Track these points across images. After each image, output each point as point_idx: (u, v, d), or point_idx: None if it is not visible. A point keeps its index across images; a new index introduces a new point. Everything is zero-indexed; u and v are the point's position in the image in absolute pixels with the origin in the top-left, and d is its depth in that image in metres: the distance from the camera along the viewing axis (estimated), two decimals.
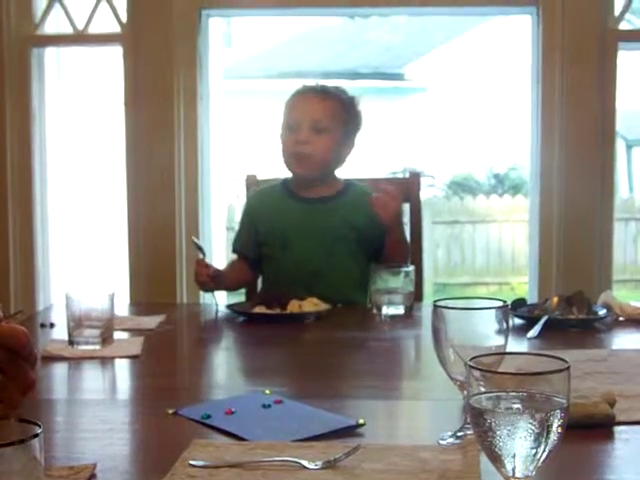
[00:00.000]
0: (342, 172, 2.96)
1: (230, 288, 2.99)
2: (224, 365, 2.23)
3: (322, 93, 2.89)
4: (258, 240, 2.90)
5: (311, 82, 2.98)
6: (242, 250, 2.93)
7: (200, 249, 2.80)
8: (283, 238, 2.85)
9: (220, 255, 3.85)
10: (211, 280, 2.72)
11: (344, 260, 2.85)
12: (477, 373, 1.11)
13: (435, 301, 1.49)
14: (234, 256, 2.97)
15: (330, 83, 3.01)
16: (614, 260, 3.61)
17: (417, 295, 2.74)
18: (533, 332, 2.24)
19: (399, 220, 2.83)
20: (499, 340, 1.44)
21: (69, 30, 3.62)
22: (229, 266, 2.95)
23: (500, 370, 1.15)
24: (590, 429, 1.46)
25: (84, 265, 3.90)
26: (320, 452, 1.36)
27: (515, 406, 1.09)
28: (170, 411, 1.61)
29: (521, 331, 2.26)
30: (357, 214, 2.86)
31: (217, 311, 2.66)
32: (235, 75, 12.12)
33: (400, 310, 2.54)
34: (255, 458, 1.34)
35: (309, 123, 2.83)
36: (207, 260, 2.77)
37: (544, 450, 1.08)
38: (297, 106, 2.88)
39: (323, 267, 2.82)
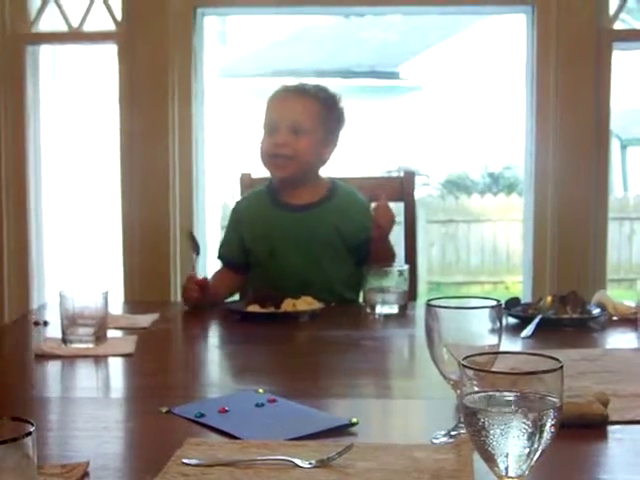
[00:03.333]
0: (329, 170, 2.93)
1: (216, 300, 2.92)
2: (218, 364, 2.23)
3: (300, 92, 2.82)
4: (245, 247, 2.87)
5: (291, 82, 2.92)
6: (228, 256, 2.90)
7: (195, 246, 2.79)
8: (269, 247, 2.82)
9: (214, 254, 3.84)
10: (200, 295, 2.68)
11: (332, 268, 2.82)
12: (470, 372, 1.11)
13: (429, 300, 1.49)
14: (218, 265, 2.94)
15: (321, 82, 2.96)
16: (608, 259, 3.61)
17: (411, 294, 2.74)
18: (527, 331, 2.24)
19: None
20: (493, 339, 1.44)
21: (64, 28, 3.61)
22: (213, 278, 2.87)
23: (493, 369, 1.15)
24: (583, 428, 1.46)
25: (78, 263, 3.90)
26: (313, 451, 1.36)
27: (508, 405, 1.09)
28: (164, 409, 1.61)
29: (515, 330, 2.26)
30: (343, 220, 2.83)
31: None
32: (230, 74, 12.12)
33: (394, 309, 2.54)
34: (248, 457, 1.34)
35: (287, 124, 2.76)
36: (197, 268, 2.75)
37: (537, 449, 1.09)
38: (275, 107, 2.82)
39: (311, 275, 2.79)
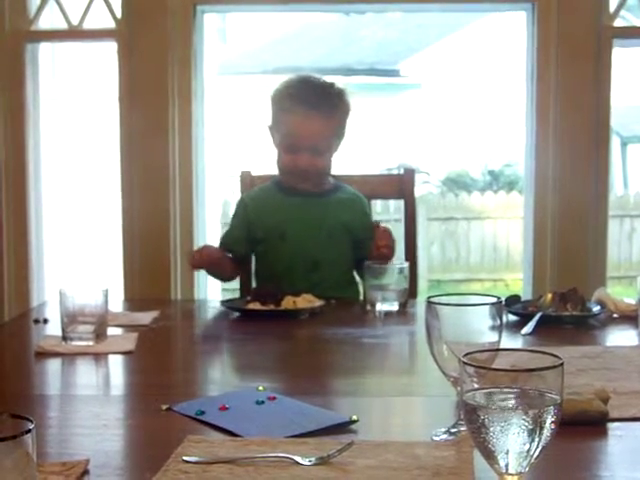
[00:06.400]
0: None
1: (215, 275, 2.98)
2: (218, 361, 2.22)
3: (317, 108, 2.80)
4: (254, 238, 2.88)
5: (301, 81, 2.90)
6: (231, 245, 2.90)
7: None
8: (281, 231, 2.85)
9: None
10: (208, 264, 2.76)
11: (340, 252, 2.87)
12: (471, 369, 1.11)
13: (429, 297, 1.49)
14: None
15: (337, 81, 2.97)
16: (608, 257, 3.61)
17: (411, 291, 2.74)
18: (527, 328, 2.24)
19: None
20: (493, 336, 1.44)
21: (64, 25, 3.61)
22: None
23: (494, 366, 1.15)
24: (583, 426, 1.46)
25: (78, 261, 3.89)
26: (313, 448, 1.36)
27: (509, 402, 1.09)
28: (164, 407, 1.61)
29: (515, 327, 2.26)
30: (347, 213, 2.89)
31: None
32: (230, 71, 12.12)
33: (394, 307, 2.54)
34: (248, 454, 1.34)
35: (309, 146, 2.80)
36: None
37: (537, 446, 1.08)
38: (295, 127, 2.81)
39: (321, 258, 2.83)
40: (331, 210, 2.88)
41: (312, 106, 2.81)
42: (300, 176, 2.85)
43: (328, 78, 2.97)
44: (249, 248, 2.91)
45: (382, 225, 2.81)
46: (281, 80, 2.92)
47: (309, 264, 2.83)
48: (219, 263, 2.84)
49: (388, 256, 2.74)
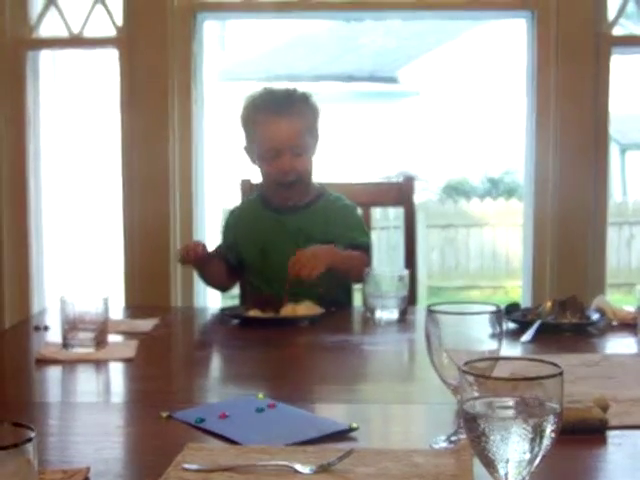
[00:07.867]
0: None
1: (206, 278, 2.96)
2: (218, 369, 2.23)
3: (285, 111, 2.83)
4: (238, 250, 2.92)
5: (264, 93, 2.92)
6: (225, 253, 2.92)
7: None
8: (259, 246, 2.88)
9: None
10: (196, 260, 2.75)
11: None
12: (470, 378, 1.11)
13: (429, 305, 1.49)
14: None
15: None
16: (607, 264, 3.61)
17: (411, 299, 2.74)
18: (527, 336, 2.24)
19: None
20: (493, 344, 1.45)
21: (65, 33, 3.62)
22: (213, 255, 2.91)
23: (493, 375, 1.15)
24: (583, 434, 1.46)
25: (79, 268, 3.89)
26: (313, 456, 1.36)
27: (508, 411, 1.10)
28: (164, 415, 1.61)
29: (515, 335, 2.26)
30: (327, 223, 2.86)
31: None
32: (230, 78, 12.12)
33: (394, 314, 2.54)
34: (248, 462, 1.34)
35: (289, 148, 2.82)
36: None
37: (537, 455, 1.09)
38: (272, 133, 2.84)
39: None
40: (310, 222, 2.87)
41: (279, 110, 2.85)
42: (284, 183, 2.85)
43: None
44: (237, 259, 2.92)
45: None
46: (246, 98, 2.94)
47: (293, 280, 2.78)
48: (206, 262, 2.81)
49: (307, 275, 2.63)
